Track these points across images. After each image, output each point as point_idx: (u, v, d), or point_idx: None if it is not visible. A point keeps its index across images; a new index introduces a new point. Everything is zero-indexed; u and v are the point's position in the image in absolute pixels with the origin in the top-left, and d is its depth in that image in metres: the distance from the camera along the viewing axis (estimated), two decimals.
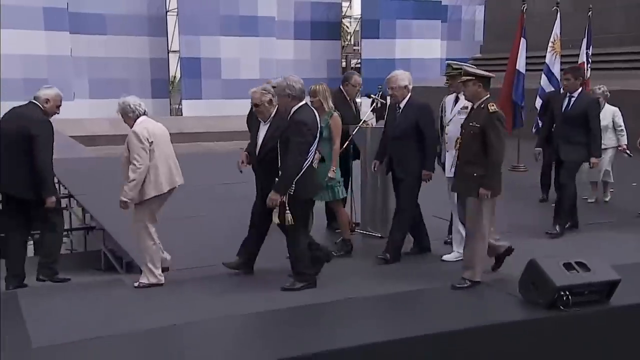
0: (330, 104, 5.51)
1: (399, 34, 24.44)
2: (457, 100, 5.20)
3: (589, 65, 8.35)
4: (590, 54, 8.35)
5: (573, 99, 5.99)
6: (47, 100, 5.20)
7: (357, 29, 26.13)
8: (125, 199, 4.73)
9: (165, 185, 4.86)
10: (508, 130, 7.23)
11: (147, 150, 4.72)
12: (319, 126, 4.71)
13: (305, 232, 4.74)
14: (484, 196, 4.48)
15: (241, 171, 5.03)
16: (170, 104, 24.15)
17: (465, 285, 4.54)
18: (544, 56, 8.54)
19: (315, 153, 4.65)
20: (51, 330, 3.95)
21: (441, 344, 3.67)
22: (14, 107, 5.29)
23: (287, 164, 4.53)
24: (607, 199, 7.30)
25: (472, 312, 4.18)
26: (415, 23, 24.50)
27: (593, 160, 5.99)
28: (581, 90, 6.08)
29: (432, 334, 3.70)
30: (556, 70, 8.11)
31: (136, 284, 4.85)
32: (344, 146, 5.68)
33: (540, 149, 6.34)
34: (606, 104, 7.06)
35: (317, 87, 5.52)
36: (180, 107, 23.85)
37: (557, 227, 5.87)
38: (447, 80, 5.25)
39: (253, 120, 5.37)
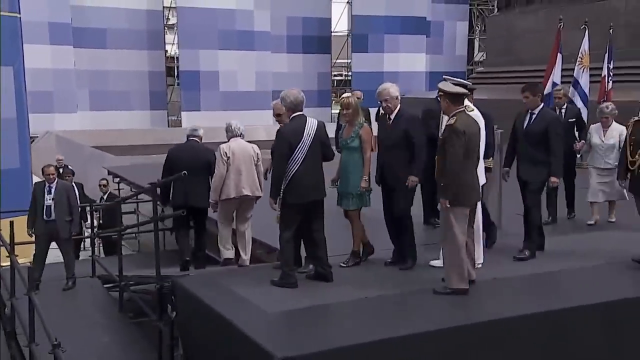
0: (361, 116, 5.63)
1: (387, 48, 25.74)
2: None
3: (610, 78, 9.62)
4: (611, 67, 9.63)
5: (534, 116, 5.73)
6: (201, 138, 6.86)
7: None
8: (210, 200, 6.16)
9: (232, 192, 6.01)
10: None
11: (224, 162, 6.02)
12: (309, 135, 4.95)
13: (290, 233, 4.95)
14: (443, 204, 4.69)
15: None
16: (168, 115, 24.81)
17: (446, 292, 4.68)
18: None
19: (301, 161, 4.89)
20: (268, 301, 4.56)
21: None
22: (183, 145, 6.83)
23: (271, 173, 5.18)
24: (612, 220, 6.96)
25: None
26: (401, 38, 25.85)
27: (552, 179, 5.67)
28: (542, 107, 5.82)
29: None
30: (584, 83, 9.34)
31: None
32: None
33: (508, 168, 5.98)
34: (614, 122, 6.88)
35: (350, 100, 5.65)
36: (178, 118, 24.53)
37: (527, 252, 5.63)
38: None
39: None
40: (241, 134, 6.21)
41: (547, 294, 4.91)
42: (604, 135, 6.83)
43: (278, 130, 5.24)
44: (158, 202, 6.45)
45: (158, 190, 6.48)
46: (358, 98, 8.29)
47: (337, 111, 25.03)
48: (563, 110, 7.22)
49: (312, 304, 4.59)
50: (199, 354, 4.81)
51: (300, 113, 5.08)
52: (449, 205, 4.67)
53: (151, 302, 6.10)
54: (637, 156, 5.38)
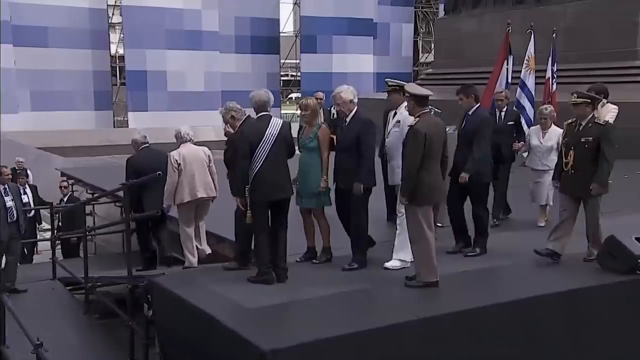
0: (321, 117, 5.71)
1: (335, 49, 26.00)
2: (395, 114, 5.57)
3: (554, 80, 10.14)
4: (555, 70, 10.15)
5: (468, 117, 5.89)
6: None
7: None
8: (164, 205, 6.45)
9: (187, 196, 6.31)
10: None
11: (174, 169, 6.31)
12: (272, 134, 5.04)
13: (264, 231, 5.06)
14: (401, 202, 4.92)
15: None
16: (114, 116, 24.32)
17: (418, 285, 4.86)
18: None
19: (264, 159, 4.97)
20: (245, 298, 4.64)
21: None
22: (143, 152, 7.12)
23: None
24: (541, 224, 6.86)
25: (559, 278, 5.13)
26: (349, 39, 26.17)
27: (462, 175, 5.69)
28: (477, 108, 5.94)
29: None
30: (530, 84, 9.81)
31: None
32: None
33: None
34: (552, 125, 6.90)
35: (308, 101, 5.70)
36: (124, 118, 24.08)
37: (478, 249, 5.76)
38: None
39: None
40: (191, 139, 6.53)
41: (508, 286, 5.18)
42: (543, 137, 6.86)
43: (240, 130, 5.41)
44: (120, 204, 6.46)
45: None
46: (320, 99, 8.48)
47: (286, 111, 24.91)
48: (503, 113, 7.18)
49: (290, 299, 4.71)
50: (178, 351, 4.85)
51: (266, 113, 5.19)
52: (406, 202, 4.88)
53: (121, 303, 6.10)
54: (569, 157, 5.55)
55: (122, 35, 23.97)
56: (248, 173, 5.04)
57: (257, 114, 5.26)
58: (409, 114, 5.15)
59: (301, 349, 3.90)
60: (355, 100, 5.45)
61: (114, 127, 23.94)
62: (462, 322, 4.42)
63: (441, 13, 24.64)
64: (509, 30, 9.59)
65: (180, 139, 6.55)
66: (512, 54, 9.59)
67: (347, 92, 5.44)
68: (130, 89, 23.30)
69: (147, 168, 6.55)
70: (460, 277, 5.19)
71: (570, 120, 5.72)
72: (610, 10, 13.19)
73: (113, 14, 24.92)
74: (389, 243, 5.60)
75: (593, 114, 5.57)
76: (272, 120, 5.14)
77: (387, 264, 5.35)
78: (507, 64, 9.48)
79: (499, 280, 5.36)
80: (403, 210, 5.23)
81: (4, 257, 7.09)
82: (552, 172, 6.19)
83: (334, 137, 5.54)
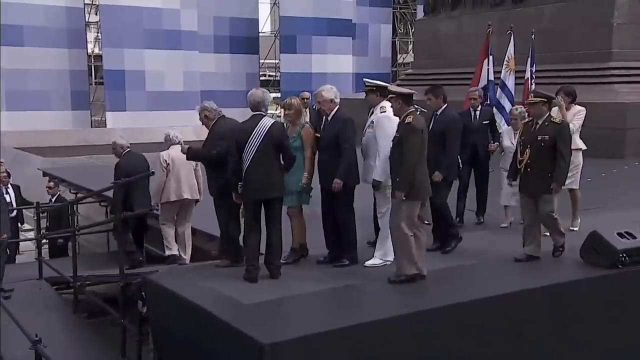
0: (305, 117, 5.85)
1: (315, 50, 26.12)
2: (372, 114, 5.59)
3: (533, 80, 10.34)
4: (534, 70, 10.35)
5: (436, 117, 5.99)
6: None
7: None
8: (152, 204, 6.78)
9: (173, 195, 6.69)
10: None
11: (163, 169, 6.65)
12: (259, 134, 5.09)
13: (253, 229, 5.13)
14: (399, 197, 4.92)
15: None
16: (92, 116, 24.10)
17: (400, 279, 4.96)
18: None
19: (251, 158, 5.05)
20: (240, 294, 4.72)
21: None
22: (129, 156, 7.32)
23: None
24: (505, 225, 6.85)
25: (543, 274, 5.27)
26: (328, 39, 26.30)
27: (436, 173, 5.74)
28: (444, 108, 6.02)
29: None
30: (510, 85, 10.00)
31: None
32: None
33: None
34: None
35: (292, 100, 5.73)
36: (102, 118, 23.87)
37: (452, 243, 5.91)
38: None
39: None
40: (179, 142, 6.83)
41: (493, 281, 5.26)
42: (514, 138, 6.60)
43: (211, 129, 5.69)
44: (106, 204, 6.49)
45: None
46: (306, 99, 8.57)
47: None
48: (478, 112, 7.14)
49: (284, 295, 4.79)
50: (173, 348, 4.89)
51: (259, 113, 5.26)
52: (404, 198, 4.93)
53: (109, 302, 6.12)
54: (524, 155, 5.58)
55: (98, 35, 23.76)
56: (238, 169, 5.12)
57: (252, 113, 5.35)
58: (395, 114, 5.22)
59: (299, 342, 3.99)
60: (337, 100, 5.52)
61: (92, 127, 23.73)
62: (452, 315, 4.54)
63: (419, 14, 24.94)
64: (489, 30, 9.77)
65: (170, 141, 6.92)
66: (492, 54, 9.77)
67: (328, 91, 5.52)
68: (108, 88, 23.09)
69: (133, 171, 6.89)
70: (444, 273, 5.29)
71: (527, 119, 5.78)
72: (585, 11, 13.50)
73: (89, 13, 24.69)
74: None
75: (549, 114, 5.65)
76: (262, 120, 5.19)
77: (367, 262, 5.45)
78: (488, 64, 9.65)
79: (483, 275, 5.43)
80: (383, 210, 5.35)
81: None
82: None
83: (319, 136, 5.59)
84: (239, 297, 4.67)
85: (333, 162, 5.37)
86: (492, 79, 9.61)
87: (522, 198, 5.73)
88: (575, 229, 6.49)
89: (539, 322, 4.90)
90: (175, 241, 6.87)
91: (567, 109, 6.56)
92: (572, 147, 5.83)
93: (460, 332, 4.55)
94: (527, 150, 5.59)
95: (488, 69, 9.68)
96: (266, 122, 5.19)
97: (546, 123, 5.57)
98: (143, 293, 5.11)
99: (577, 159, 6.53)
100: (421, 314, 4.48)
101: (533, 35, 10.35)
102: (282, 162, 5.28)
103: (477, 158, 7.00)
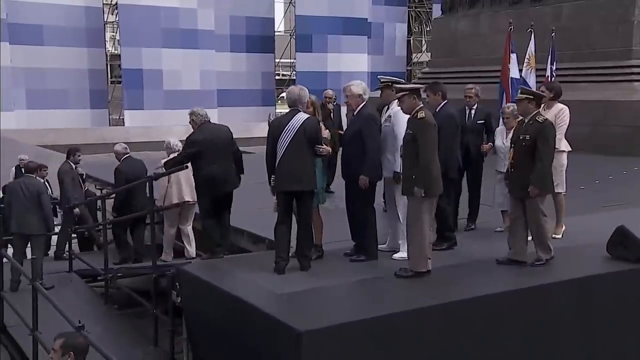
0: (320, 114, 5.95)
1: (330, 49, 26.21)
2: (387, 109, 5.65)
3: (553, 79, 10.34)
4: (554, 68, 10.37)
5: (434, 115, 5.66)
6: None
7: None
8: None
9: (175, 198, 7.16)
10: None
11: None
12: (293, 128, 5.19)
13: (279, 220, 5.23)
14: (418, 194, 4.84)
15: None
16: (110, 114, 24.36)
17: (408, 274, 4.93)
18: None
19: (284, 150, 5.15)
20: (272, 284, 4.87)
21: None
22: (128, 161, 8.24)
23: None
24: (500, 229, 6.44)
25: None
26: (344, 38, 26.38)
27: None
28: (443, 105, 5.95)
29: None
30: (532, 83, 10.02)
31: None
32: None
33: None
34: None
35: (311, 98, 5.83)
36: (120, 117, 24.11)
37: (446, 245, 5.84)
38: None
39: None
40: (179, 149, 7.18)
41: (495, 277, 5.20)
42: (506, 138, 6.26)
43: (193, 132, 6.12)
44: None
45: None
46: (330, 97, 8.68)
47: (281, 110, 24.86)
48: (473, 111, 6.82)
49: (314, 286, 4.89)
50: (207, 337, 5.02)
51: (294, 108, 5.37)
52: (424, 195, 4.88)
53: (139, 294, 6.26)
54: (510, 155, 5.42)
55: (114, 34, 23.97)
56: (272, 162, 5.26)
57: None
58: (406, 112, 5.19)
59: (334, 330, 4.09)
60: (365, 97, 5.57)
61: (110, 125, 23.98)
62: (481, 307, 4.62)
63: (435, 13, 24.91)
64: (511, 29, 9.80)
65: (170, 149, 7.44)
66: (515, 52, 9.79)
67: (357, 86, 5.58)
68: (126, 87, 23.31)
69: (133, 175, 7.66)
70: (448, 269, 5.25)
71: (520, 118, 5.55)
72: (605, 9, 13.46)
73: (108, 13, 24.94)
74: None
75: (538, 111, 5.35)
76: (297, 115, 5.30)
77: (395, 255, 5.50)
78: (510, 62, 9.68)
79: (503, 269, 5.36)
80: (402, 204, 5.35)
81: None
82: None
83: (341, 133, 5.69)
84: (272, 287, 4.79)
85: (353, 157, 5.43)
86: (518, 77, 9.62)
87: (511, 200, 5.55)
88: (558, 236, 6.03)
89: (564, 315, 4.97)
90: (178, 239, 7.40)
91: (549, 105, 6.17)
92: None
93: (486, 325, 4.62)
94: (511, 149, 5.42)
95: (509, 67, 9.69)
96: (300, 117, 5.28)
97: (531, 122, 5.28)
98: (177, 284, 5.23)
99: (561, 161, 6.15)
100: (452, 304, 4.57)
101: (553, 33, 10.37)
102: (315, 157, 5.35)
103: (469, 158, 6.64)
